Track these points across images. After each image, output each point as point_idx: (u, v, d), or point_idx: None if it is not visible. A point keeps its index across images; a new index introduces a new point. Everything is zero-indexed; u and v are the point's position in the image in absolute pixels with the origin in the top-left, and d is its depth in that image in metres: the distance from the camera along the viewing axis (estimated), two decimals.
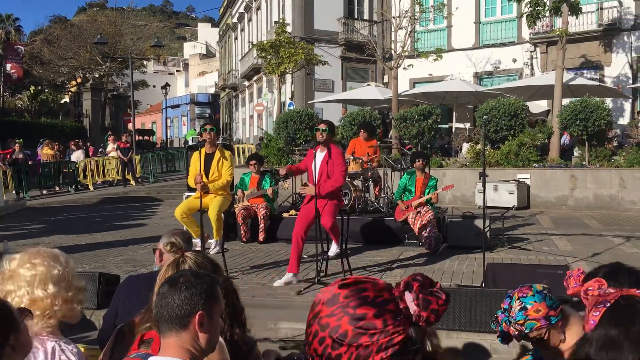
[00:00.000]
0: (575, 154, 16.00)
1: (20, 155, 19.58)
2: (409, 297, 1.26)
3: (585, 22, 20.26)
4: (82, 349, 2.26)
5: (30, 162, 19.91)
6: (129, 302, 2.97)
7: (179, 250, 2.36)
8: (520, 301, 2.15)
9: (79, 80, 44.25)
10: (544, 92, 18.46)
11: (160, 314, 1.75)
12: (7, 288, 2.14)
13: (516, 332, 2.16)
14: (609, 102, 17.48)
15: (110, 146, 21.35)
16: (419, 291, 1.26)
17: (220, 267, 2.55)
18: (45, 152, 20.90)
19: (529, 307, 2.13)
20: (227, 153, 7.35)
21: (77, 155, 21.01)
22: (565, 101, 16.02)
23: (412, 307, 1.25)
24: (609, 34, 20.48)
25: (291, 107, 22.82)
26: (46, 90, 45.18)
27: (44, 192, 18.87)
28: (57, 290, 2.15)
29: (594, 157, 14.56)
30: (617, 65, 20.62)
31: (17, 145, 20.00)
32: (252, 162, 9.95)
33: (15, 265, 2.18)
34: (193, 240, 6.06)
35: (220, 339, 2.31)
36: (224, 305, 1.95)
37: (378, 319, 1.20)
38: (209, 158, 7.13)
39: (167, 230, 3.40)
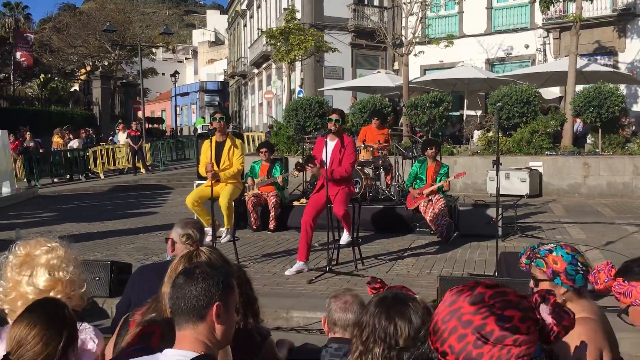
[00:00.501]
0: (589, 141, 15.82)
1: (31, 144, 19.64)
2: (544, 309, 1.27)
3: (599, 7, 19.93)
4: None
5: (41, 150, 19.96)
6: (142, 292, 2.95)
7: (194, 243, 2.33)
8: (555, 247, 2.24)
9: (88, 68, 44.31)
10: (556, 78, 18.24)
11: (177, 306, 1.72)
12: (24, 273, 2.14)
13: (527, 258, 2.29)
14: (623, 88, 17.23)
15: (121, 135, 21.38)
16: (556, 305, 1.28)
17: (231, 265, 2.52)
18: (55, 140, 20.95)
19: (554, 253, 2.20)
20: (238, 142, 7.30)
21: (75, 144, 20.91)
22: (579, 88, 15.81)
23: (548, 319, 1.26)
24: (624, 19, 20.15)
25: (301, 95, 22.72)
26: (56, 78, 45.29)
27: (55, 180, 18.96)
28: (75, 274, 2.17)
29: (607, 145, 14.39)
30: (632, 51, 20.30)
31: (27, 133, 20.03)
32: (263, 150, 9.93)
33: (31, 249, 2.18)
34: (205, 229, 6.04)
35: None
36: (238, 296, 1.92)
37: (523, 324, 1.21)
38: (219, 147, 7.09)
39: (179, 220, 3.37)
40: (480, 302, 1.24)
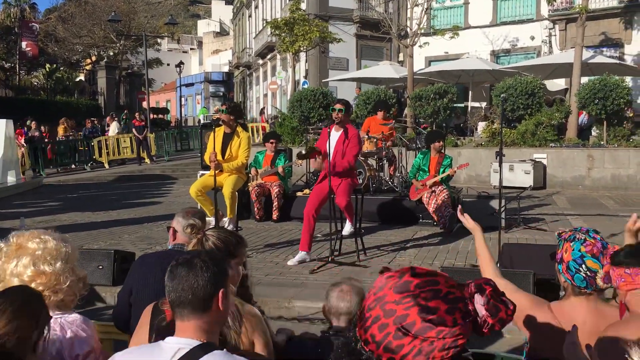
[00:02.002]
0: (593, 133, 15.77)
1: (36, 133, 19.70)
2: (479, 300, 1.20)
3: None
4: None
5: (46, 140, 20.03)
6: (143, 280, 2.97)
7: (200, 231, 2.34)
8: (580, 239, 2.13)
9: (93, 58, 44.32)
10: (562, 70, 18.16)
11: (181, 297, 1.71)
12: (11, 262, 2.14)
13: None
14: (628, 80, 17.17)
15: (113, 126, 21.45)
16: (491, 296, 1.21)
17: (243, 238, 2.53)
18: (61, 128, 21.02)
19: (572, 243, 2.13)
20: (246, 135, 7.28)
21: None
22: (584, 80, 15.74)
23: (481, 311, 1.19)
24: (630, 10, 20.02)
25: (305, 86, 22.69)
26: (61, 68, 45.30)
27: (60, 169, 19.05)
28: (63, 269, 2.16)
29: (612, 137, 14.34)
30: (638, 43, 20.18)
31: (33, 123, 20.07)
32: (272, 140, 9.93)
33: (23, 240, 2.18)
34: (207, 219, 6.06)
35: (258, 312, 2.31)
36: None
37: (449, 316, 1.14)
38: (227, 138, 7.09)
39: (180, 210, 3.39)
40: (405, 291, 1.17)
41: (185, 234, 3.07)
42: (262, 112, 30.77)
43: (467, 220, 2.78)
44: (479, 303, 1.20)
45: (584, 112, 15.44)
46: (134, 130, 20.23)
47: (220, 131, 7.04)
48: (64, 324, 2.12)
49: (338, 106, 6.61)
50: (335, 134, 6.60)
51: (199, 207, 6.82)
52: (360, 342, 1.21)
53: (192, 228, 2.60)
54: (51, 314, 2.03)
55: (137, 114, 21.75)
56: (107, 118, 22.66)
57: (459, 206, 3.10)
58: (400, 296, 1.17)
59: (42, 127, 20.54)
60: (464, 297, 1.19)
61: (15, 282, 2.10)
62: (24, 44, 38.18)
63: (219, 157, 6.89)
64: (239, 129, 7.22)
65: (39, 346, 1.78)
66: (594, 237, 2.15)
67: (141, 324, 2.30)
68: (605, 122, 14.54)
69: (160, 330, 2.09)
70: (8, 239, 2.22)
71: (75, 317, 2.20)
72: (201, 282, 1.69)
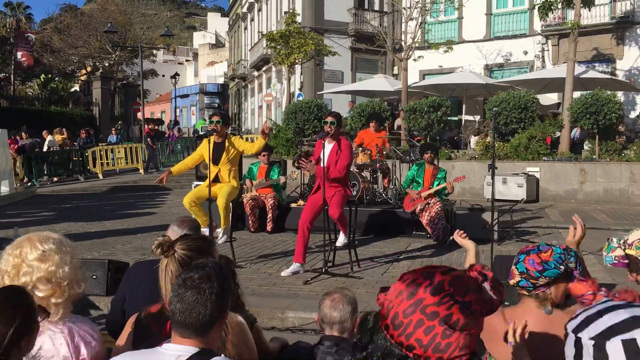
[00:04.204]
0: (586, 147, 15.90)
1: (27, 142, 19.52)
2: (487, 286, 1.29)
3: (598, 15, 20.06)
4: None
5: (37, 150, 19.94)
6: (136, 288, 3.00)
7: (170, 247, 2.27)
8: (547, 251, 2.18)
9: (89, 69, 44.33)
10: (555, 85, 18.33)
11: (189, 322, 1.71)
12: (23, 282, 2.14)
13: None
14: (620, 95, 17.33)
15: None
16: (494, 281, 1.30)
17: (213, 242, 2.52)
18: (57, 138, 20.96)
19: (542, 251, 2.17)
20: (236, 138, 7.39)
21: (50, 141, 20.80)
22: (577, 94, 15.90)
23: (493, 296, 1.29)
24: (622, 26, 20.27)
25: (300, 98, 22.79)
26: (56, 78, 45.30)
27: (54, 179, 18.98)
28: (67, 271, 2.18)
29: (604, 151, 14.46)
30: (630, 59, 20.41)
31: (24, 133, 19.92)
32: (264, 153, 9.94)
33: (23, 246, 2.19)
34: (201, 229, 6.07)
35: (242, 320, 2.33)
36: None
37: (479, 306, 1.23)
38: (218, 147, 7.14)
39: (176, 219, 3.42)
40: (442, 291, 1.22)
41: (157, 254, 2.99)
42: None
43: (464, 242, 2.91)
44: (487, 289, 1.28)
45: (578, 127, 15.57)
46: (148, 140, 20.30)
47: (211, 141, 7.10)
48: (72, 327, 2.13)
49: (330, 119, 6.67)
50: (329, 146, 6.65)
51: (192, 217, 6.84)
52: (402, 348, 1.24)
53: (161, 249, 2.37)
54: (61, 316, 2.05)
55: (150, 124, 21.90)
56: (113, 130, 22.92)
57: (461, 231, 3.19)
58: (438, 297, 1.22)
59: (49, 134, 20.54)
60: (480, 286, 1.28)
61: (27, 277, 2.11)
62: (19, 54, 38.18)
63: (213, 165, 6.94)
64: (229, 135, 7.33)
65: (25, 346, 1.77)
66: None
67: (124, 333, 2.32)
68: (597, 137, 14.67)
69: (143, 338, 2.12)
70: (6, 256, 2.19)
71: (82, 320, 2.22)
72: (209, 310, 1.71)
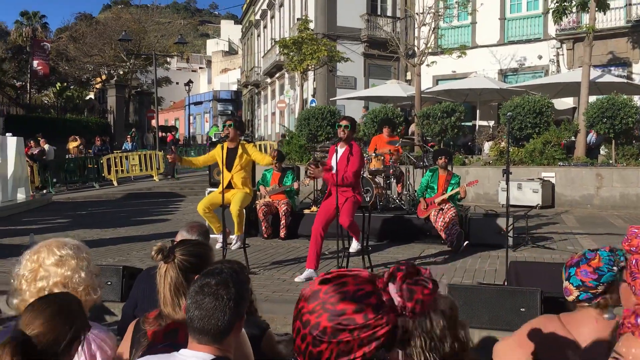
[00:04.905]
0: (602, 152, 15.74)
1: (40, 149, 19.64)
2: (392, 288, 1.22)
3: (613, 18, 19.88)
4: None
5: (44, 157, 20.09)
6: (148, 293, 3.00)
7: (170, 253, 2.25)
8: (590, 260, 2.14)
9: (103, 77, 44.80)
10: (570, 89, 18.19)
11: (207, 329, 1.72)
12: (40, 286, 2.16)
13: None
14: (637, 99, 17.13)
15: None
16: (402, 281, 1.22)
17: (211, 248, 2.51)
18: (71, 145, 21.16)
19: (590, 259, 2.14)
20: (249, 145, 7.41)
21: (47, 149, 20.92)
22: (592, 99, 15.76)
23: (396, 299, 1.21)
24: (638, 30, 20.07)
25: (313, 104, 22.83)
26: (72, 86, 45.80)
27: (70, 186, 19.14)
28: (83, 276, 2.19)
29: (620, 156, 14.31)
30: None
31: (42, 140, 20.10)
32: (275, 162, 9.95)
33: (41, 251, 2.21)
34: (212, 236, 6.08)
35: (243, 331, 2.31)
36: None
37: (358, 314, 1.17)
38: (231, 153, 7.17)
39: (185, 224, 3.42)
40: (315, 299, 1.20)
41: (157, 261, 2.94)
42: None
43: None
44: (393, 291, 1.21)
45: (593, 131, 15.43)
46: (173, 147, 20.46)
47: (224, 147, 7.12)
48: (88, 335, 2.13)
49: (344, 122, 6.62)
50: (341, 150, 6.61)
51: (206, 224, 6.85)
52: (294, 354, 1.24)
53: (161, 255, 2.25)
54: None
55: (172, 132, 22.09)
56: (128, 137, 23.20)
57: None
58: (312, 305, 1.20)
59: (46, 143, 20.61)
60: (375, 290, 1.21)
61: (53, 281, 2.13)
62: (35, 62, 38.65)
63: (226, 171, 6.97)
64: (242, 142, 7.35)
65: (74, 350, 1.80)
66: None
67: (125, 338, 2.32)
68: (613, 141, 14.52)
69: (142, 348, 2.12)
70: (24, 261, 2.21)
71: (99, 327, 2.23)
72: (227, 317, 1.71)
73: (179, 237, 3.18)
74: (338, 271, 1.27)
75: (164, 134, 39.41)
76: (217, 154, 7.13)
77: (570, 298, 2.17)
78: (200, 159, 7.64)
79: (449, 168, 8.65)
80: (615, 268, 2.10)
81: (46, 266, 2.16)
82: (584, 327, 2.09)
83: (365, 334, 1.16)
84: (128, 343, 2.27)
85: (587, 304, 2.14)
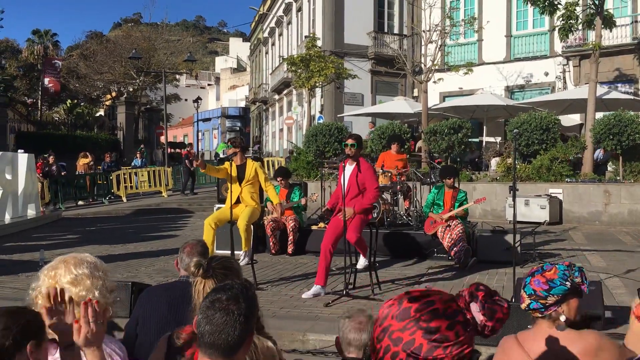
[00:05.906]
0: (609, 168, 15.71)
1: (54, 167, 19.87)
2: (474, 307, 1.28)
3: (619, 35, 19.95)
4: None
5: (63, 174, 20.30)
6: (149, 311, 3.08)
7: (209, 267, 2.31)
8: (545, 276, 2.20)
9: (113, 94, 45.20)
10: (576, 106, 18.22)
11: (217, 344, 1.73)
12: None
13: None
14: None
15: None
16: (485, 301, 1.28)
17: (238, 266, 2.57)
18: (82, 162, 21.34)
19: (546, 270, 2.20)
20: (257, 164, 7.49)
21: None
22: (599, 115, 15.77)
23: (479, 317, 1.26)
24: None
25: (321, 121, 22.95)
26: (82, 103, 46.26)
27: (80, 202, 19.29)
28: (97, 295, 2.25)
29: (628, 172, 14.29)
30: None
31: (51, 157, 20.26)
32: (279, 178, 10.02)
33: (58, 267, 2.27)
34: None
35: (272, 345, 2.35)
36: None
37: (451, 331, 1.21)
38: (239, 169, 7.28)
39: (181, 246, 3.51)
40: (407, 317, 1.23)
41: (194, 275, 3.07)
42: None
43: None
44: (475, 310, 1.27)
45: (600, 147, 15.42)
46: (186, 162, 20.67)
47: (232, 164, 7.23)
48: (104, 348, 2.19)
49: (350, 141, 6.71)
50: (349, 168, 6.69)
51: (198, 240, 6.90)
52: None
53: (199, 268, 2.37)
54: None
55: (188, 147, 22.31)
56: (138, 153, 23.59)
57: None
58: (403, 323, 1.23)
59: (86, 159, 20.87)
60: (460, 309, 1.26)
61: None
62: (46, 80, 39.09)
63: (236, 185, 7.11)
64: (249, 159, 7.49)
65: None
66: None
67: (158, 353, 2.37)
68: (621, 158, 14.50)
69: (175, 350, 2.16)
70: (41, 278, 2.26)
71: (110, 339, 2.29)
72: (237, 332, 1.72)
73: (180, 262, 3.27)
74: (421, 290, 1.31)
75: (178, 150, 39.75)
76: (227, 166, 7.24)
77: (523, 306, 2.24)
78: (219, 169, 7.68)
79: (456, 185, 8.69)
80: (568, 283, 2.16)
81: (62, 284, 2.22)
82: (537, 341, 2.14)
83: (456, 351, 1.21)
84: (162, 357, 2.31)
85: (539, 315, 2.20)
